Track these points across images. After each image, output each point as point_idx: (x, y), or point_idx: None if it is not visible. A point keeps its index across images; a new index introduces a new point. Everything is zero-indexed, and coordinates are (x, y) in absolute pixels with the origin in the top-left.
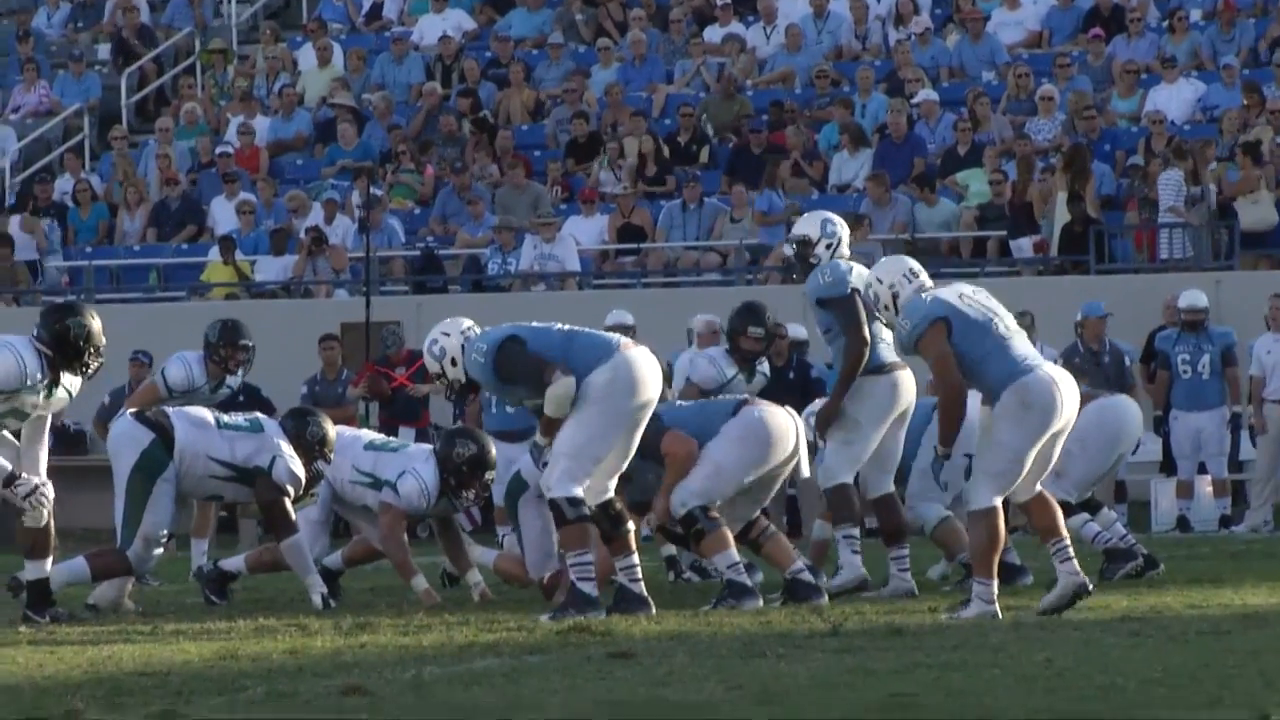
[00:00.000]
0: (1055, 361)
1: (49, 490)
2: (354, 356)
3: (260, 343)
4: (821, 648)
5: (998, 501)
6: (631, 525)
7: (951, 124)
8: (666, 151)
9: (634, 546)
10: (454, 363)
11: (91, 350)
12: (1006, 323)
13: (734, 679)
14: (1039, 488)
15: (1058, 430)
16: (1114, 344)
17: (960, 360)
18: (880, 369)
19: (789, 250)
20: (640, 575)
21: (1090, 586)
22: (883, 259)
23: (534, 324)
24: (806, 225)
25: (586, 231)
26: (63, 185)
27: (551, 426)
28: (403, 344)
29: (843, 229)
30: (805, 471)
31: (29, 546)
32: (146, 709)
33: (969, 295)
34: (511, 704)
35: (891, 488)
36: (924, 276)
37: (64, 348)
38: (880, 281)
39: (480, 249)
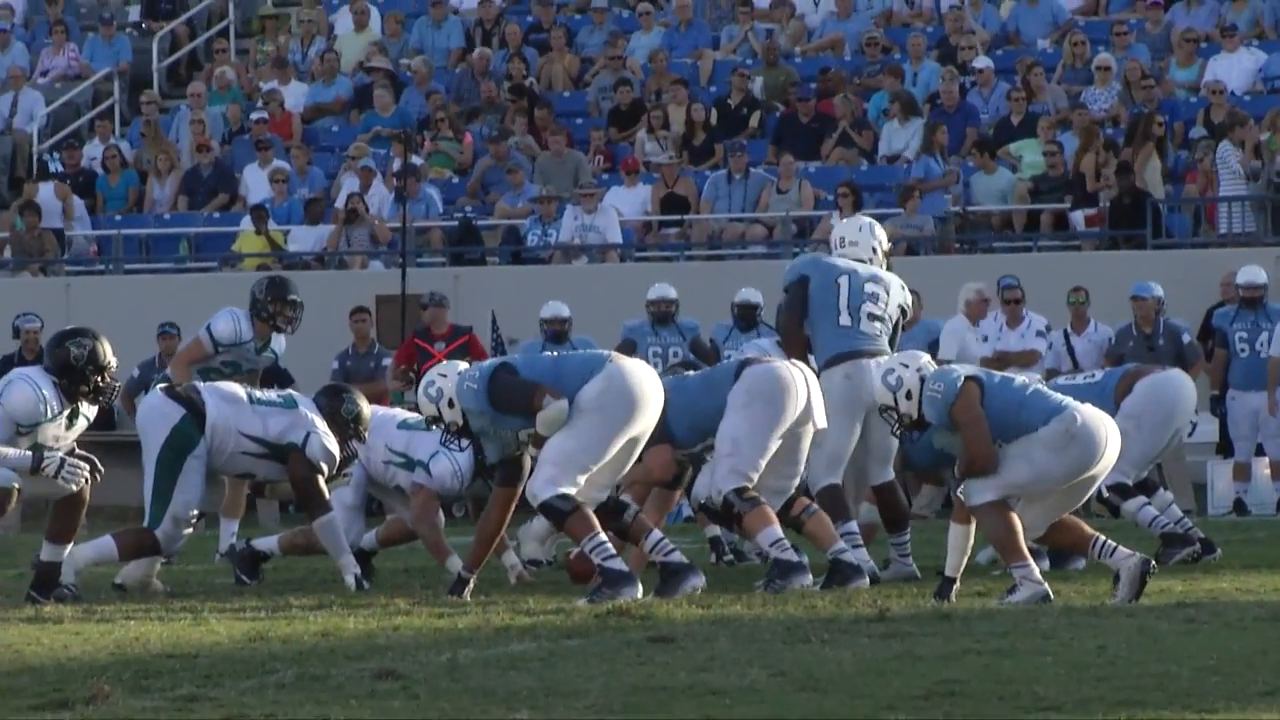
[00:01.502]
0: (1109, 341)
1: (76, 461)
2: (389, 330)
3: None
4: (867, 633)
5: (998, 496)
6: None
7: (1005, 93)
8: (714, 118)
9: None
10: (451, 404)
11: (97, 374)
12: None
13: (777, 665)
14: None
15: (1094, 474)
16: (1168, 323)
17: (999, 413)
18: (836, 359)
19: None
20: (614, 550)
21: (1153, 562)
22: (901, 355)
23: (522, 355)
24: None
25: (629, 202)
26: (91, 151)
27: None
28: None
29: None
30: (820, 421)
31: (52, 529)
32: (174, 691)
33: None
34: (548, 688)
35: (892, 476)
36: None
37: (70, 373)
38: (906, 366)
39: (520, 220)
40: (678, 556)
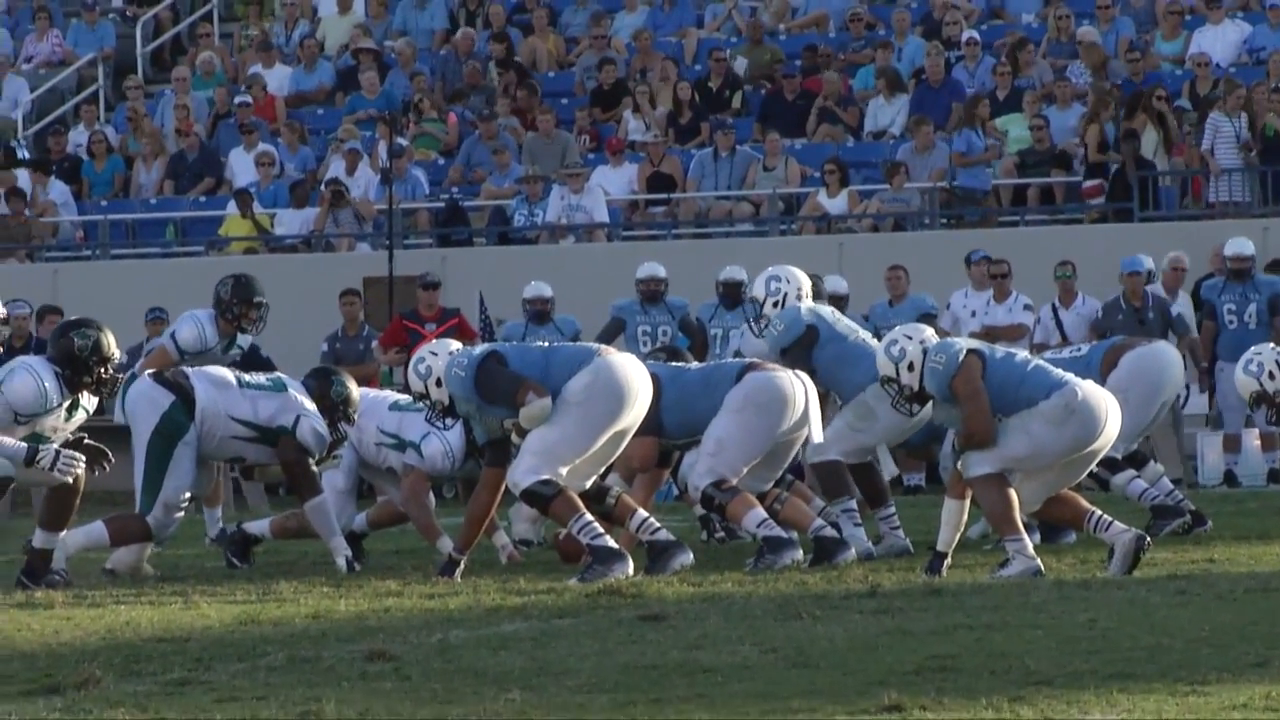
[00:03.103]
0: (1096, 315)
1: (71, 453)
2: (377, 312)
3: (280, 298)
4: (859, 609)
5: (996, 469)
6: (619, 490)
7: (991, 68)
8: (697, 98)
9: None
10: (439, 384)
11: (100, 365)
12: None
13: (768, 642)
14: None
15: (1093, 450)
16: (1157, 296)
17: (999, 387)
18: None
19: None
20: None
21: (1148, 538)
22: (904, 328)
23: (515, 343)
24: (755, 284)
25: (615, 182)
26: (77, 138)
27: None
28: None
29: (790, 282)
30: (817, 436)
31: (45, 516)
32: (165, 676)
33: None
34: (540, 668)
35: (868, 457)
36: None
37: (73, 364)
38: (909, 337)
39: (506, 200)
40: (664, 534)
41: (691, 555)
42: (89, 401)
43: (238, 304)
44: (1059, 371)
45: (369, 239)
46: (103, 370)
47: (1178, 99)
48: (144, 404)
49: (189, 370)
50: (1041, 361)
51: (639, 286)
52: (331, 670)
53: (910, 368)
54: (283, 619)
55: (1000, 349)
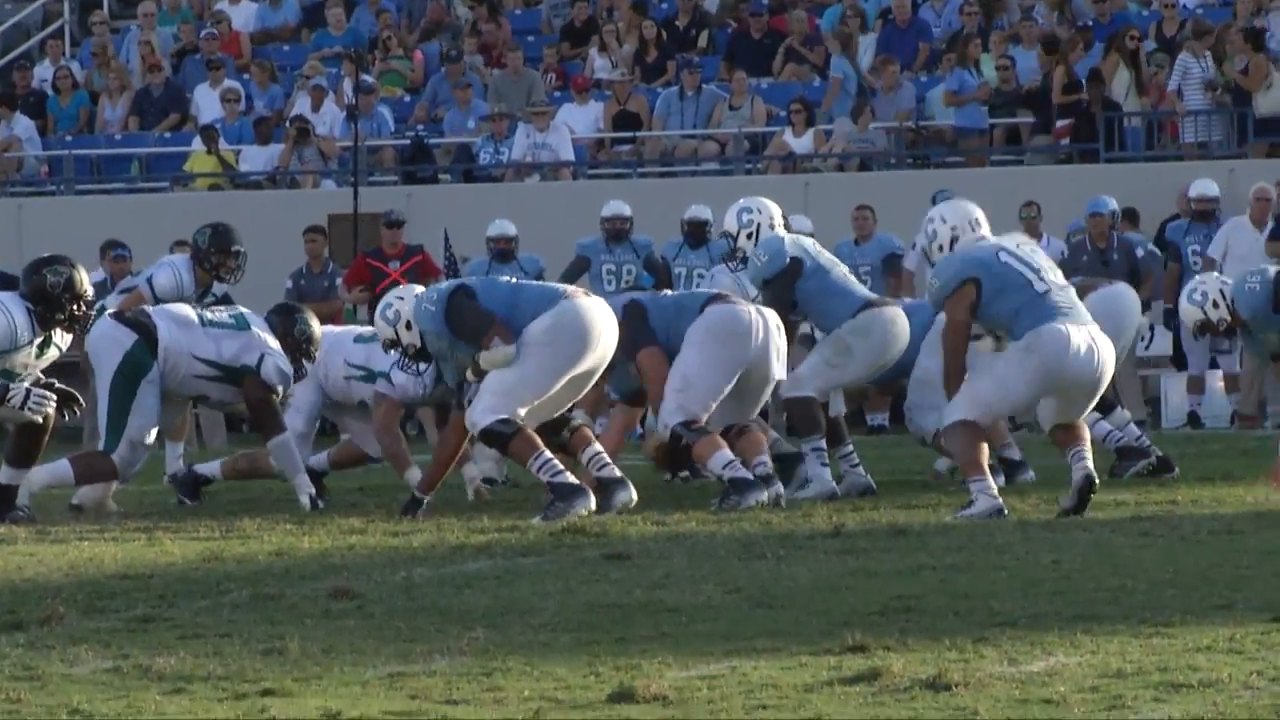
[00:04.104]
0: (1061, 255)
1: (41, 391)
2: (342, 249)
3: (245, 235)
4: (823, 549)
5: (971, 417)
6: (579, 421)
7: (958, 8)
8: (664, 36)
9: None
10: (408, 326)
11: (73, 302)
12: (1049, 277)
13: (733, 581)
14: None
15: (1083, 383)
16: (1122, 237)
17: (992, 316)
18: (878, 303)
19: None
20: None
21: (1095, 480)
22: (950, 202)
23: (483, 277)
24: (726, 218)
25: (581, 120)
26: (42, 73)
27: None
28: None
29: (763, 212)
30: (776, 372)
31: (12, 453)
32: (128, 612)
33: (1012, 250)
34: (504, 607)
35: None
36: (986, 228)
37: (46, 301)
38: (944, 221)
39: (472, 138)
40: (610, 471)
41: (633, 493)
42: (62, 339)
43: (215, 253)
44: (1048, 308)
45: (334, 176)
46: (75, 307)
47: (1145, 40)
48: (106, 343)
49: (151, 309)
50: (1047, 296)
51: (604, 225)
52: (295, 608)
53: (1215, 305)
54: (246, 556)
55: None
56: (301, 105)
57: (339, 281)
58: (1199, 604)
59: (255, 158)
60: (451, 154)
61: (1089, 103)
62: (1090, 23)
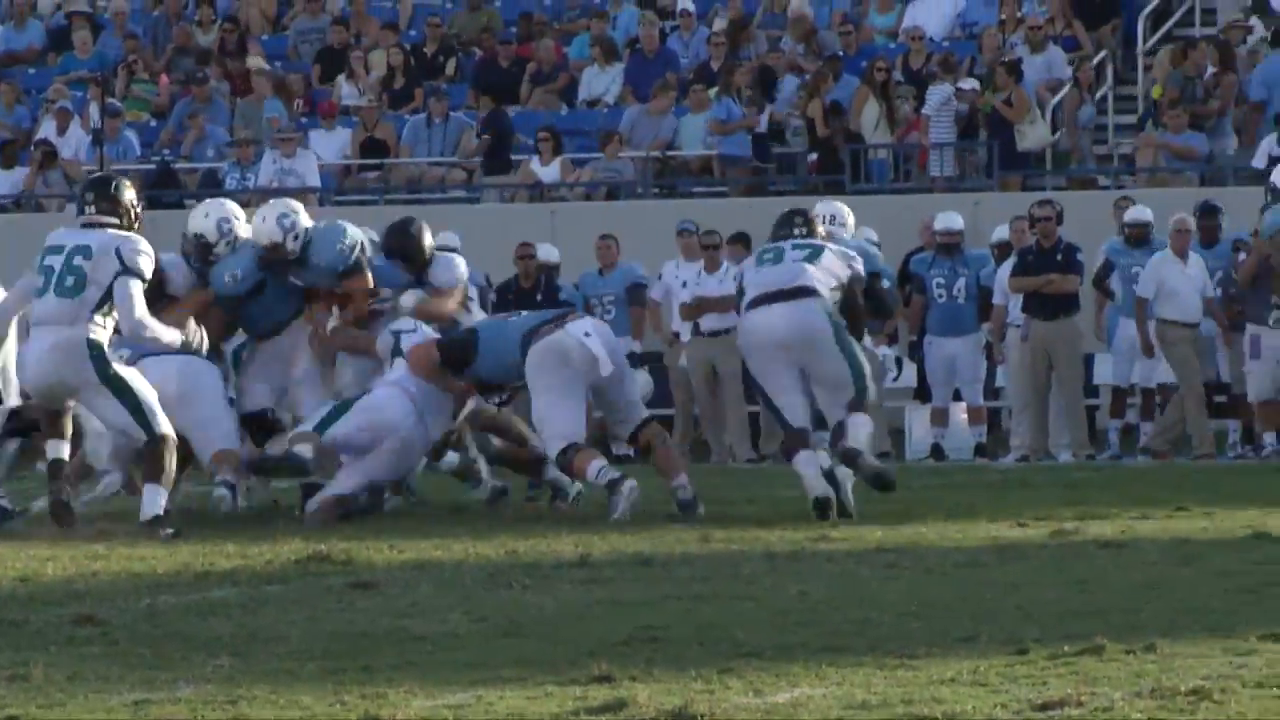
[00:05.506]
0: None
1: None
2: None
3: None
4: (569, 578)
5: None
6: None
7: (706, 38)
8: (411, 63)
9: None
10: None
11: None
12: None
13: (479, 610)
14: None
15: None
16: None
17: None
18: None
19: None
20: None
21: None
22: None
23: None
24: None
25: (328, 146)
26: None
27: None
28: None
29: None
30: (605, 369)
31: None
32: None
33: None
34: (249, 634)
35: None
36: None
37: None
38: None
39: (218, 164)
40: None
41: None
42: None
43: None
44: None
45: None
46: None
47: (892, 72)
48: None
49: None
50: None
51: None
52: (39, 634)
53: None
54: None
55: None
56: (47, 129)
57: None
58: (943, 636)
59: (0, 182)
60: (197, 179)
61: (832, 134)
62: (840, 54)
